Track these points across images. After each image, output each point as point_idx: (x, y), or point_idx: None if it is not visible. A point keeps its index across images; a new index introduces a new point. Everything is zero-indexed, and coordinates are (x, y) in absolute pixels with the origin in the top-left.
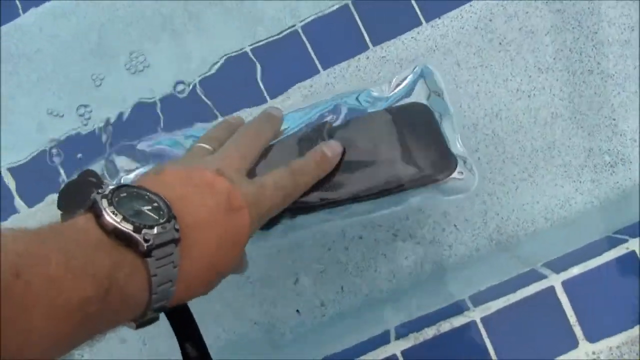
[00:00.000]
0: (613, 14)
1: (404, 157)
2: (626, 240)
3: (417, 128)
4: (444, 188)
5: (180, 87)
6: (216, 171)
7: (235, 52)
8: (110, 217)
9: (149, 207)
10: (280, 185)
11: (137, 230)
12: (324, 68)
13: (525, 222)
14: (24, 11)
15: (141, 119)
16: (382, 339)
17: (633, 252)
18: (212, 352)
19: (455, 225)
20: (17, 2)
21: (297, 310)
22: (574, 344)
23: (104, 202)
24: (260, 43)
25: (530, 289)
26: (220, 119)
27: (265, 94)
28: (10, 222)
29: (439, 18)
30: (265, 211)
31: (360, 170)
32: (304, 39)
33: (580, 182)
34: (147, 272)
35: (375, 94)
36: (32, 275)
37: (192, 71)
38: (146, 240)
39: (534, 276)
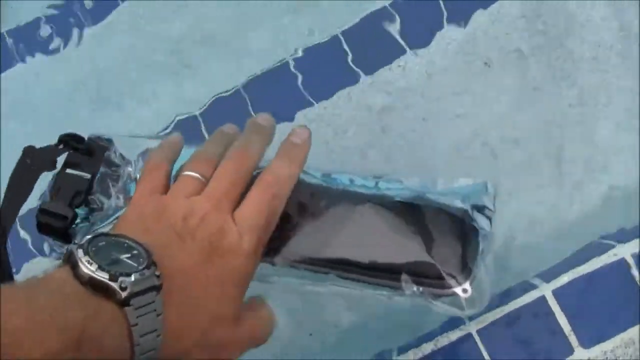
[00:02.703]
0: (585, 34)
1: (414, 245)
2: (613, 246)
3: (447, 230)
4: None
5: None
6: (200, 219)
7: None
8: (86, 267)
9: (128, 255)
10: (264, 202)
11: (113, 278)
12: (317, 101)
13: (514, 233)
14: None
15: None
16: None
17: (622, 259)
18: None
19: None
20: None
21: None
22: (569, 351)
23: (80, 252)
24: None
25: (522, 300)
26: None
27: None
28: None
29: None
30: (262, 233)
31: (362, 238)
32: (295, 71)
33: (566, 192)
34: (127, 322)
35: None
36: None
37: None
38: (123, 289)
39: (525, 287)
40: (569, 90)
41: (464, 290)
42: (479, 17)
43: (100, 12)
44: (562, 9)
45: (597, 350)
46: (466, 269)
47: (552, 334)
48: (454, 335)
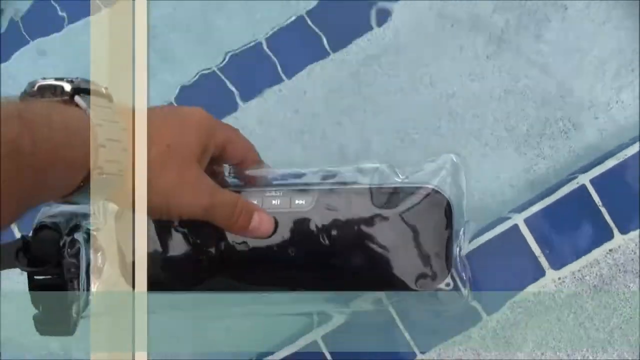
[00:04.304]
0: None
1: (392, 254)
2: (576, 177)
3: (424, 222)
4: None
5: None
6: None
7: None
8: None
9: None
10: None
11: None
12: (289, 77)
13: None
14: None
15: None
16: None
17: (583, 185)
18: None
19: None
20: None
21: None
22: (541, 273)
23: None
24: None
25: (497, 230)
26: None
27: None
28: None
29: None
30: (221, 129)
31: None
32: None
33: (540, 149)
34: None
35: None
36: None
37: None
38: (71, 82)
39: (499, 220)
40: (535, 55)
41: (447, 285)
42: None
43: None
44: None
45: (566, 270)
46: (445, 263)
47: (526, 259)
48: None
